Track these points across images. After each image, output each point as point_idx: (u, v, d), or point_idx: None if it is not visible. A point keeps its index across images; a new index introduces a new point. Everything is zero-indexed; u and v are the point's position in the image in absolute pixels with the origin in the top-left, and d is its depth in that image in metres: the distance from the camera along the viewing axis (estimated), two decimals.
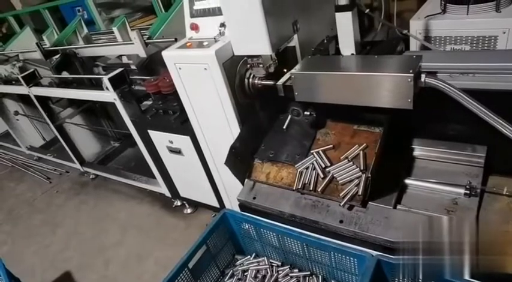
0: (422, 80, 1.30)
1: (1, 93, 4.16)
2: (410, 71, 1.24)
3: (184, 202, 3.13)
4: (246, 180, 1.78)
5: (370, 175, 1.47)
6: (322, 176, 1.55)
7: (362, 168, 1.49)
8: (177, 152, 2.48)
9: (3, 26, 5.87)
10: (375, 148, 1.54)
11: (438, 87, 1.29)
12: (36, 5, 5.13)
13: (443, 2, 2.33)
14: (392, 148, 1.62)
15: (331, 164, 1.56)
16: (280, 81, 1.64)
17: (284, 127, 1.76)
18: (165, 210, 3.27)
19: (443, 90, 1.29)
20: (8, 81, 3.84)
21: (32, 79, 3.34)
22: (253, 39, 1.54)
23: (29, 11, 5.03)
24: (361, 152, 1.53)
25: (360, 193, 1.45)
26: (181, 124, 2.27)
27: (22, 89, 3.42)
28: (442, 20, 2.29)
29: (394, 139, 1.63)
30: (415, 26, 2.35)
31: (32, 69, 3.37)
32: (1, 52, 3.80)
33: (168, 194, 3.06)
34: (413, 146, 1.70)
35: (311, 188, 1.56)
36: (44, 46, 3.19)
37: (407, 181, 1.57)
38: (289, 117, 1.75)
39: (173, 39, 2.16)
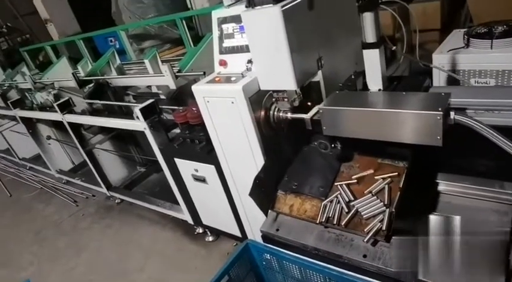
0: (452, 117, 1.30)
1: (36, 118, 4.38)
2: (440, 109, 1.25)
3: (206, 230, 3.15)
4: (269, 211, 1.80)
5: (394, 210, 1.47)
6: (346, 210, 1.56)
7: (386, 202, 1.49)
8: (202, 180, 2.53)
9: (40, 55, 6.24)
10: (399, 182, 1.54)
11: (468, 124, 1.29)
12: (71, 36, 5.46)
13: (466, 36, 2.36)
14: (417, 182, 1.61)
15: (355, 198, 1.57)
16: (308, 115, 1.67)
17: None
18: (187, 237, 3.29)
19: (473, 128, 1.28)
20: (43, 107, 4.05)
21: (66, 107, 3.51)
22: (279, 75, 1.61)
23: (65, 41, 5.35)
24: (386, 186, 1.54)
25: (384, 228, 1.45)
26: (207, 153, 2.33)
27: (56, 116, 3.59)
28: (466, 55, 2.31)
29: (418, 173, 1.62)
30: (438, 60, 2.37)
31: (67, 97, 3.54)
32: (38, 80, 4.02)
33: (190, 221, 3.09)
34: (437, 181, 1.68)
35: (335, 222, 1.56)
36: (78, 75, 3.37)
37: (432, 216, 1.55)
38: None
39: (202, 73, 2.25)
